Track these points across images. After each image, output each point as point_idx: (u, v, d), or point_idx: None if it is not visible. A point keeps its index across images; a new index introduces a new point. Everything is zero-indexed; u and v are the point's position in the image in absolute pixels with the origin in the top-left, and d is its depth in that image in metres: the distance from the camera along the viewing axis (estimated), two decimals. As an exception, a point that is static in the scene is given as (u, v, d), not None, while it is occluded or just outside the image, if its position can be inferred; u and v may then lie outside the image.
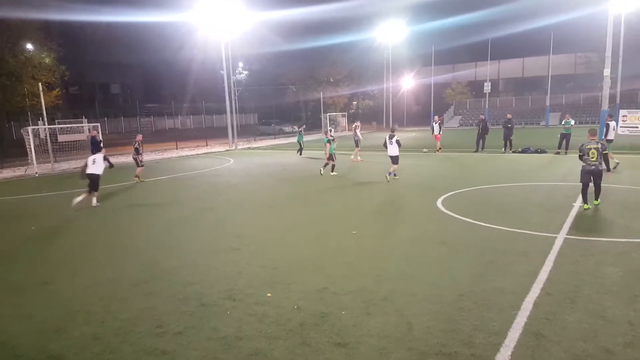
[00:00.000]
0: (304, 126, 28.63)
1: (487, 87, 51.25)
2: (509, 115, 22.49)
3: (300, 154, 23.69)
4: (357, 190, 13.40)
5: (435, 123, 23.80)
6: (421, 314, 4.96)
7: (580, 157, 9.62)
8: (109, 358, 4.34)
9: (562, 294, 5.36)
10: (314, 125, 51.92)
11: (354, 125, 22.42)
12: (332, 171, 15.82)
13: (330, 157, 15.69)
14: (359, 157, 20.19)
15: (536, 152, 20.71)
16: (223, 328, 4.83)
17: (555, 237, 7.56)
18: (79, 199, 11.48)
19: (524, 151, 21.05)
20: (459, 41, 53.66)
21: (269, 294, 5.66)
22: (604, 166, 9.51)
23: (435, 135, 23.22)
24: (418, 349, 4.28)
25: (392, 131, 14.47)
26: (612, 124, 17.01)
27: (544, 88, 52.37)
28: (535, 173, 15.02)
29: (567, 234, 7.73)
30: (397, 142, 13.93)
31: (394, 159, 14.11)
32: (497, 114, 48.85)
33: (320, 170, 15.90)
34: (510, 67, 61.26)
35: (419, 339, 4.44)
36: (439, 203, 10.60)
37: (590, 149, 9.32)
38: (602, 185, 9.66)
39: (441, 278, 6.00)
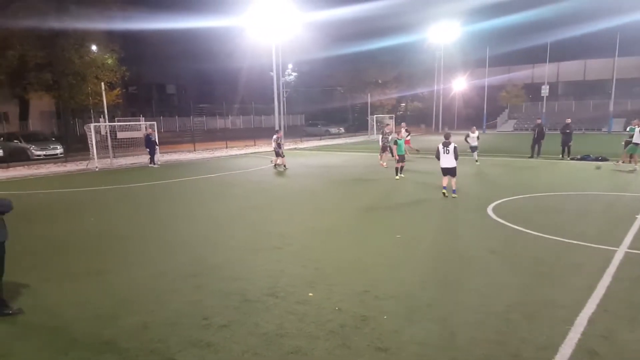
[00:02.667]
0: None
1: (544, 90, 48.98)
2: (568, 120, 21.35)
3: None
4: (404, 194, 13.19)
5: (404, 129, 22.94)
6: (466, 324, 4.81)
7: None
8: (157, 347, 4.51)
9: (620, 311, 5.02)
10: (360, 127, 51.76)
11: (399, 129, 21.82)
12: (400, 172, 15.45)
13: (401, 158, 15.39)
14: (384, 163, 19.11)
15: (596, 159, 19.52)
16: (265, 324, 4.91)
17: (615, 251, 7.08)
18: None
19: (583, 158, 19.91)
20: (515, 41, 51.56)
21: (310, 294, 5.69)
22: None
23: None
24: (460, 359, 4.15)
25: (447, 137, 11.67)
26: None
27: (607, 92, 49.29)
28: (595, 182, 14.16)
29: (628, 248, 7.22)
30: (455, 150, 11.37)
31: (452, 171, 11.60)
32: (555, 118, 46.52)
33: (398, 175, 15.44)
34: (570, 70, 58.04)
35: (462, 349, 4.31)
36: (489, 210, 10.23)
37: None
38: None
39: (488, 287, 5.79)
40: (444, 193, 11.73)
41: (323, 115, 53.98)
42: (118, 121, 30.82)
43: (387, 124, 23.54)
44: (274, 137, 19.49)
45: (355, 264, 6.83)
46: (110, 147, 23.35)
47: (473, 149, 19.51)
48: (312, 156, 25.81)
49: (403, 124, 22.04)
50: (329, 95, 59.41)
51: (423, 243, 7.94)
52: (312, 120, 53.30)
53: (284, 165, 19.15)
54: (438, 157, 11.58)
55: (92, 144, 21.13)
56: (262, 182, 16.05)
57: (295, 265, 6.81)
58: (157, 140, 22.09)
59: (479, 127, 50.26)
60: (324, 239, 8.28)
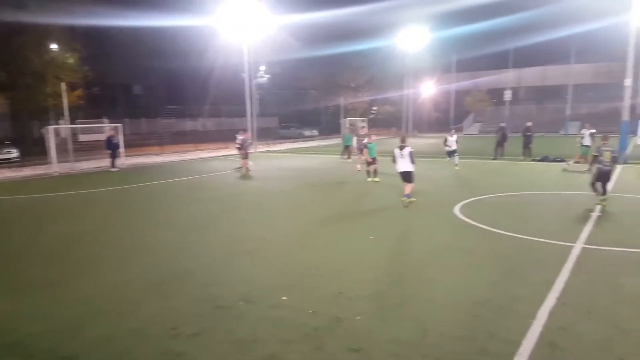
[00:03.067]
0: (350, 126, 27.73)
1: (507, 95, 50.66)
2: (528, 123, 22.22)
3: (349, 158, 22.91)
4: (375, 195, 13.40)
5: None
6: (437, 321, 4.97)
7: (596, 158, 10.71)
8: (123, 359, 4.37)
9: (578, 303, 5.31)
10: (334, 130, 52.00)
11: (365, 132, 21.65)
12: (374, 176, 15.23)
13: (372, 162, 15.21)
14: (358, 165, 18.87)
15: (555, 160, 20.41)
16: (238, 331, 4.86)
17: (573, 246, 7.46)
18: None
19: (543, 159, 20.76)
20: (480, 48, 53.18)
21: (284, 298, 5.70)
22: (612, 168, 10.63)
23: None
24: (432, 355, 4.29)
25: (403, 141, 11.28)
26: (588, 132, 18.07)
27: (564, 97, 51.54)
28: (554, 182, 14.80)
29: (584, 243, 7.63)
30: (411, 154, 11.02)
31: (408, 176, 11.20)
32: (517, 122, 48.16)
33: (371, 178, 15.27)
34: (531, 76, 60.34)
35: (433, 346, 4.45)
36: (456, 210, 10.54)
37: (605, 151, 10.45)
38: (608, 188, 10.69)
39: (458, 285, 5.99)
40: (403, 201, 11.13)
41: (296, 118, 53.88)
42: (80, 123, 29.75)
43: (362, 127, 23.73)
44: (241, 138, 19.07)
45: (329, 266, 6.90)
46: (71, 150, 22.47)
47: (451, 153, 19.00)
48: (285, 159, 25.78)
49: (365, 128, 22.37)
50: (302, 97, 59.41)
51: (395, 243, 8.11)
52: (286, 122, 53.15)
53: (246, 168, 18.85)
54: (394, 161, 11.25)
55: (51, 148, 20.21)
56: (235, 185, 15.93)
57: (269, 270, 6.81)
58: (119, 143, 21.52)
59: (447, 131, 51.73)
60: (298, 242, 8.32)
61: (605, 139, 10.86)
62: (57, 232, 9.66)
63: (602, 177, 10.50)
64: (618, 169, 17.21)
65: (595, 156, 10.77)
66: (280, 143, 38.71)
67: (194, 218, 10.70)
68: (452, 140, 19.05)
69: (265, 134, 42.54)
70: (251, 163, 19.39)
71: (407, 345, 4.48)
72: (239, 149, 18.93)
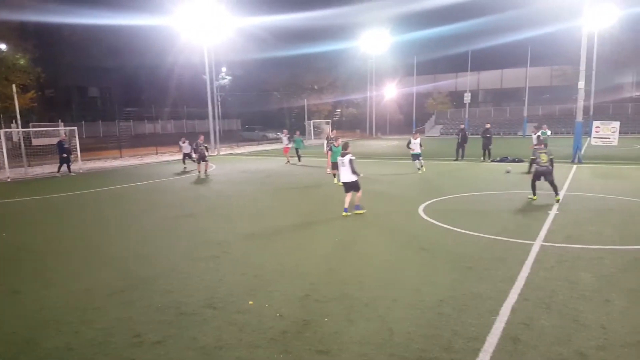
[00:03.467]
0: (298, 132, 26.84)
1: (467, 98, 52.26)
2: (487, 125, 22.96)
3: (299, 160, 23.24)
4: (341, 198, 13.43)
5: (284, 136, 24.28)
6: (402, 320, 5.00)
7: (533, 161, 11.75)
8: None
9: (538, 299, 5.48)
10: (298, 132, 51.90)
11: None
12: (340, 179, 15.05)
13: (335, 166, 14.48)
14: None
15: (514, 161, 21.16)
16: (202, 337, 4.75)
17: (532, 244, 7.73)
18: None
19: (502, 160, 21.47)
20: (440, 52, 54.86)
21: (250, 302, 5.60)
22: (551, 168, 11.34)
23: (285, 147, 23.74)
24: (399, 354, 4.30)
25: (345, 148, 10.41)
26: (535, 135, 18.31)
27: (521, 99, 53.72)
28: (513, 182, 15.33)
29: (543, 241, 7.92)
30: (351, 163, 9.99)
31: (352, 186, 10.18)
32: (476, 123, 49.82)
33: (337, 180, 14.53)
34: (489, 78, 62.74)
35: (399, 345, 4.47)
36: (420, 211, 10.72)
37: (541, 153, 11.36)
38: (555, 182, 11.35)
39: (422, 284, 6.06)
40: (345, 215, 10.11)
41: (260, 120, 53.51)
42: (33, 127, 28.39)
43: (333, 130, 23.62)
44: (185, 143, 19.22)
45: (295, 269, 6.84)
46: (24, 155, 21.42)
47: (415, 156, 18.17)
48: (249, 161, 25.50)
49: (334, 131, 22.44)
50: (265, 99, 59.05)
51: (360, 245, 8.13)
52: (249, 125, 52.66)
53: (205, 172, 18.73)
54: (354, 169, 10.17)
55: (3, 152, 19.35)
56: (198, 189, 15.59)
57: (234, 274, 6.68)
58: (70, 148, 20.68)
59: (409, 132, 52.75)
60: (263, 246, 8.21)
61: (540, 143, 12.00)
62: (10, 239, 9.17)
63: (540, 176, 11.40)
64: (573, 169, 18.07)
65: (533, 159, 11.79)
66: (244, 146, 38.30)
67: (154, 223, 10.37)
68: (416, 142, 18.12)
69: (228, 137, 42.02)
70: (213, 166, 19.02)
71: (375, 345, 4.48)
72: (188, 154, 19.01)
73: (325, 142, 20.27)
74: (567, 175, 16.11)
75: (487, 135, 22.35)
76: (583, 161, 20.26)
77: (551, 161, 11.31)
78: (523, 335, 4.61)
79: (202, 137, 19.39)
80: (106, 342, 4.69)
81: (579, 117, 21.11)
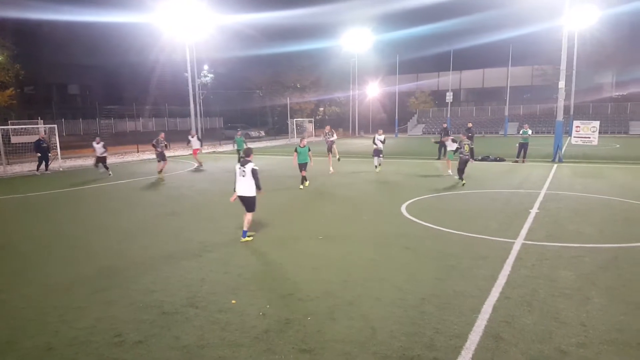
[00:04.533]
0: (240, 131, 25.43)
1: (449, 97, 52.78)
2: (469, 124, 23.24)
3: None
4: (322, 196, 13.43)
5: (192, 137, 21.68)
6: (385, 318, 5.02)
7: (457, 150, 14.45)
8: None
9: (519, 297, 5.56)
10: (280, 130, 51.81)
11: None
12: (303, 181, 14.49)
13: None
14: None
15: (495, 160, 21.46)
16: (185, 336, 4.72)
17: (513, 242, 7.85)
18: None
19: (483, 159, 21.73)
20: (422, 51, 55.30)
21: (233, 301, 5.57)
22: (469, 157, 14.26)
23: (194, 150, 21.41)
24: (381, 352, 4.32)
25: (247, 154, 8.46)
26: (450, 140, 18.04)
27: (502, 98, 54.51)
28: (494, 181, 15.56)
29: (524, 239, 8.04)
30: (254, 173, 8.09)
31: (248, 202, 8.24)
32: (458, 122, 50.40)
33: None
34: (471, 78, 63.52)
35: (382, 343, 4.49)
36: (403, 209, 10.78)
37: (465, 144, 14.24)
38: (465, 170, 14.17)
39: (405, 282, 6.09)
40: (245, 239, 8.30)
41: (243, 118, 53.17)
42: (12, 124, 27.72)
43: (327, 126, 22.04)
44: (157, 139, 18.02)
45: (278, 268, 6.82)
46: (2, 153, 20.89)
47: (377, 152, 18.10)
48: (232, 160, 25.27)
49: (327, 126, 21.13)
50: (248, 98, 58.70)
51: (343, 243, 8.13)
52: (231, 123, 52.24)
53: (159, 172, 17.68)
54: (235, 181, 8.29)
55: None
56: (180, 187, 15.40)
57: (217, 273, 6.63)
58: (50, 146, 20.26)
59: (392, 131, 53.17)
60: (244, 245, 8.14)
61: (466, 135, 15.54)
62: (-18, 241, 8.90)
63: (463, 164, 14.18)
64: (554, 168, 18.41)
65: (457, 148, 14.47)
66: (226, 144, 37.99)
67: (135, 222, 10.23)
68: (380, 139, 18.04)
69: (210, 135, 41.65)
70: (195, 165, 18.64)
71: (357, 343, 4.49)
72: (155, 147, 17.88)
73: (324, 138, 19.98)
74: (548, 174, 16.42)
75: (469, 135, 22.55)
76: (563, 160, 20.65)
77: (471, 151, 14.24)
78: (505, 333, 4.67)
79: (162, 135, 18.51)
80: (87, 342, 4.65)
81: (560, 117, 21.52)
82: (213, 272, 6.65)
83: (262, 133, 48.66)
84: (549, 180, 15.17)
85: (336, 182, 15.59)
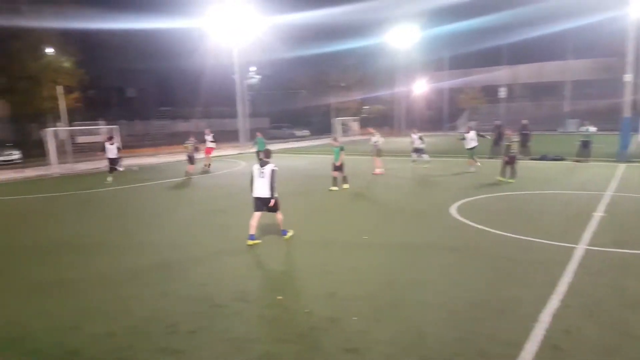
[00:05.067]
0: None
1: (502, 92, 50.66)
2: (524, 121, 22.13)
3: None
4: (367, 195, 13.28)
5: (208, 135, 21.01)
6: (432, 322, 4.86)
7: (508, 148, 14.45)
8: (123, 355, 4.38)
9: (582, 306, 5.19)
10: (324, 129, 51.95)
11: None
12: (341, 183, 13.92)
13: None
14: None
15: (554, 159, 20.34)
16: (234, 329, 4.83)
17: (575, 248, 7.33)
18: None
19: (541, 158, 20.67)
20: (473, 45, 53.15)
21: (279, 297, 5.62)
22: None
23: (207, 149, 20.70)
24: (430, 357, 4.18)
25: (267, 155, 8.40)
26: (471, 134, 17.74)
27: (561, 94, 51.58)
28: (553, 181, 14.71)
29: (587, 245, 7.49)
30: (273, 174, 7.99)
31: (267, 203, 8.02)
32: (512, 119, 48.18)
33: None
34: (526, 72, 60.36)
35: (429, 348, 4.34)
36: (452, 210, 10.43)
37: (514, 141, 14.64)
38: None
39: (453, 286, 5.87)
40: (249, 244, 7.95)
41: (288, 118, 53.78)
42: (77, 125, 29.67)
43: (369, 127, 21.80)
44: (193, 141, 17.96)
45: (322, 267, 6.80)
46: (69, 152, 22.53)
47: (418, 150, 18.60)
48: (277, 159, 25.37)
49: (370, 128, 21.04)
50: (293, 97, 59.33)
51: (389, 244, 7.98)
52: (277, 123, 53.05)
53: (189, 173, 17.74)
54: (251, 184, 8.13)
55: (51, 150, 20.35)
56: (228, 185, 15.79)
57: (263, 269, 6.74)
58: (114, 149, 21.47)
59: (440, 129, 51.86)
60: (291, 243, 8.19)
61: (514, 131, 16.71)
62: (60, 231, 9.69)
63: (510, 161, 14.28)
64: (621, 168, 17.12)
65: (508, 146, 14.57)
66: (271, 143, 38.57)
67: (188, 218, 10.60)
68: (415, 137, 18.77)
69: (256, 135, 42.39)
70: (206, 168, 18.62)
71: (403, 347, 4.37)
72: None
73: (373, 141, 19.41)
74: (613, 175, 15.26)
75: (525, 132, 21.54)
76: (633, 160, 19.04)
77: (527, 149, 15.20)
78: (564, 343, 4.36)
79: (192, 138, 18.41)
80: (145, 331, 4.87)
81: (627, 113, 19.98)
82: (259, 269, 6.77)
83: (307, 132, 49.01)
84: (614, 181, 14.09)
85: (382, 181, 15.37)
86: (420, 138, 18.76)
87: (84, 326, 5.02)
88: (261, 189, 7.99)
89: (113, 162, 17.13)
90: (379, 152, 17.32)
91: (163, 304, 5.54)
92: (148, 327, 4.95)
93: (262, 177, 7.98)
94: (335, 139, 14.42)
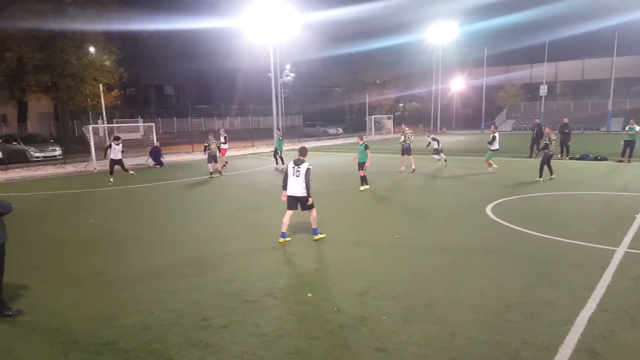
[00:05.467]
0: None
1: (543, 90, 48.97)
2: (565, 120, 21.35)
3: (278, 164, 19.77)
4: (402, 193, 13.18)
5: (223, 136, 19.50)
6: (465, 324, 4.80)
7: (546, 146, 14.03)
8: (156, 347, 4.51)
9: (620, 311, 5.01)
10: (358, 127, 51.78)
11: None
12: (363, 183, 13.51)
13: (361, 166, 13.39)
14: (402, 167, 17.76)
15: (596, 159, 19.54)
16: (264, 325, 4.90)
17: (615, 250, 7.07)
18: None
19: (582, 158, 19.91)
20: (513, 41, 51.55)
21: (309, 295, 5.68)
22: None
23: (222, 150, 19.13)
24: (461, 359, 4.13)
25: (302, 153, 8.31)
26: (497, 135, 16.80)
27: (605, 92, 49.30)
28: (594, 181, 14.16)
29: (628, 247, 7.21)
30: (307, 173, 7.93)
31: (303, 202, 8.02)
32: (553, 118, 46.57)
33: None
34: (568, 69, 58.08)
35: (461, 349, 4.29)
36: (488, 210, 10.23)
37: (553, 139, 14.18)
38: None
39: (487, 288, 5.77)
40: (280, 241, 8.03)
41: (321, 116, 53.94)
42: (116, 122, 30.78)
43: (402, 125, 21.57)
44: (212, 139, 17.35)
45: (353, 265, 6.82)
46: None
47: (435, 151, 18.56)
48: (310, 157, 25.68)
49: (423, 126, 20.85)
50: (327, 95, 59.40)
51: (421, 243, 7.92)
52: (310, 120, 53.26)
53: (219, 172, 17.63)
54: (285, 182, 8.12)
55: (91, 146, 21.13)
56: (262, 182, 16.03)
57: (294, 266, 6.82)
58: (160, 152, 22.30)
59: (477, 127, 50.59)
60: (322, 240, 8.25)
61: (552, 129, 15.13)
62: (98, 225, 10.03)
63: (547, 159, 14.03)
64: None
65: (546, 144, 14.01)
66: (305, 141, 38.77)
67: (221, 214, 10.85)
68: (428, 139, 18.87)
69: (290, 133, 42.74)
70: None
71: (435, 347, 4.34)
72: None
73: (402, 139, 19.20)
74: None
75: (566, 131, 20.78)
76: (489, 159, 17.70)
77: (567, 148, 15.19)
78: (601, 348, 4.23)
79: (211, 135, 17.93)
80: (177, 324, 5.00)
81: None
82: (290, 266, 6.85)
83: (340, 130, 48.98)
84: (660, 182, 13.45)
85: (417, 180, 15.22)
86: (434, 139, 18.58)
87: (119, 318, 5.18)
88: (295, 188, 7.98)
89: (119, 163, 16.26)
90: (408, 151, 17.36)
91: (195, 298, 5.67)
92: (180, 320, 5.08)
93: (297, 175, 7.96)
94: (360, 138, 14.02)
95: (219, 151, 18.30)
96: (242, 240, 8.38)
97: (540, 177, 14.13)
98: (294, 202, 8.05)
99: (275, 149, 20.14)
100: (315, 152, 28.89)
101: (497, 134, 16.77)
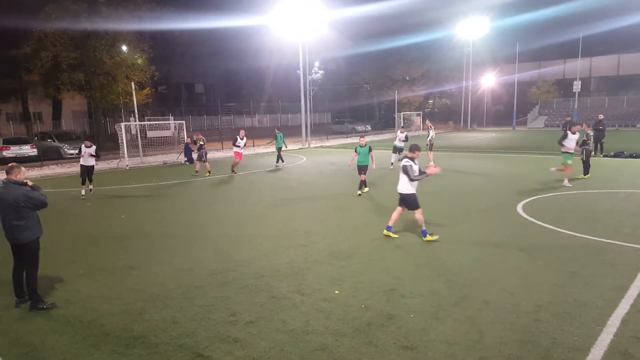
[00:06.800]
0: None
1: (576, 86, 47.38)
2: (600, 116, 20.65)
3: (278, 162, 20.04)
4: (430, 190, 13.05)
5: (242, 139, 17.90)
6: (494, 323, 4.76)
7: (585, 142, 13.75)
8: (185, 342, 4.61)
9: (656, 313, 4.86)
10: (387, 124, 51.43)
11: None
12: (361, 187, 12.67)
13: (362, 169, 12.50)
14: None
15: (631, 156, 18.84)
16: (291, 321, 4.97)
17: (651, 251, 6.85)
18: None
19: (616, 155, 19.24)
20: (546, 36, 50.06)
21: (336, 292, 5.72)
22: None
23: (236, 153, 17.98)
24: (490, 359, 4.11)
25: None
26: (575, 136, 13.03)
27: (642, 87, 47.28)
28: (629, 180, 13.65)
29: (666, 248, 6.97)
30: (405, 170, 7.65)
31: (407, 202, 7.93)
32: (587, 115, 45.00)
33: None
34: (603, 65, 55.94)
35: (491, 349, 4.26)
36: (519, 208, 10.03)
37: (591, 136, 14.07)
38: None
39: (517, 287, 5.69)
40: (429, 237, 7.77)
41: (349, 113, 53.82)
42: (148, 120, 31.55)
43: (426, 120, 21.50)
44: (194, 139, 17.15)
45: (381, 262, 6.82)
46: (140, 145, 23.91)
47: (396, 150, 17.68)
48: (338, 154, 25.80)
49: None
50: (355, 92, 59.15)
51: (452, 241, 7.84)
52: (339, 118, 53.19)
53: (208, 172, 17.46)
54: (410, 178, 7.69)
55: (123, 143, 21.66)
56: (289, 180, 16.16)
57: (321, 263, 6.86)
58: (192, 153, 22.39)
59: (509, 124, 49.40)
60: (349, 237, 8.29)
61: (587, 126, 14.75)
62: (129, 221, 10.31)
63: (587, 156, 13.83)
64: None
65: (585, 141, 13.76)
66: (333, 138, 38.76)
67: (248, 210, 10.99)
68: (401, 136, 17.78)
69: (318, 130, 42.81)
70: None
71: (463, 346, 4.33)
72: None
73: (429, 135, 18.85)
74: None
75: (600, 128, 20.10)
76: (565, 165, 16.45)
77: (601, 145, 14.63)
78: (635, 350, 4.13)
79: (198, 135, 18.09)
80: (206, 318, 5.11)
81: None
82: (318, 262, 6.89)
83: (368, 127, 48.73)
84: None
85: (446, 177, 15.01)
86: (404, 139, 17.66)
87: (149, 312, 5.29)
88: (399, 185, 7.96)
89: (90, 170, 13.85)
90: (431, 147, 17.58)
91: (224, 294, 5.78)
92: (209, 315, 5.18)
93: (401, 172, 7.82)
94: (362, 137, 12.65)
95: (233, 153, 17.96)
96: (270, 237, 8.48)
97: (587, 173, 13.94)
98: (400, 199, 8.10)
99: (278, 148, 20.27)
100: (343, 150, 28.89)
101: (576, 134, 12.90)
